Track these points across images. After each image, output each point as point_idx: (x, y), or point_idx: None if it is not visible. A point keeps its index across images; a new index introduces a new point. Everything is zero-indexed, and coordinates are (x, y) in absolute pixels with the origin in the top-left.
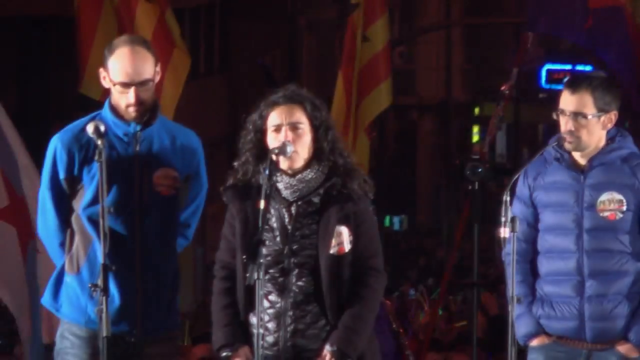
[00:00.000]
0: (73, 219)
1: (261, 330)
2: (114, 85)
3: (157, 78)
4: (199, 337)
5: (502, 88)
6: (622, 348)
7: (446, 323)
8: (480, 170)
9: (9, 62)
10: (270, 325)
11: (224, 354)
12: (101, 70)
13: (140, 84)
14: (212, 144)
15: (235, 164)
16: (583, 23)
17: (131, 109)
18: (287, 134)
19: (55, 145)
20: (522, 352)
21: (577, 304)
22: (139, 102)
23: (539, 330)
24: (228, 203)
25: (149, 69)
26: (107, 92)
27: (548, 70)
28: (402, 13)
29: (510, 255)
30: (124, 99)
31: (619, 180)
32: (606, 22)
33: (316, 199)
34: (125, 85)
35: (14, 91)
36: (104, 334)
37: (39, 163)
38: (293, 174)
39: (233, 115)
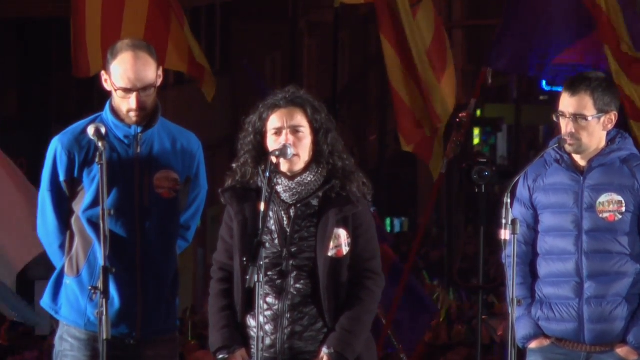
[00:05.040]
0: (73, 221)
1: (260, 333)
2: (116, 90)
3: (159, 82)
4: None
5: (461, 115)
6: (621, 351)
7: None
8: (487, 173)
9: (9, 64)
10: (268, 327)
11: (221, 356)
12: (103, 72)
13: (142, 90)
14: (213, 146)
15: (234, 165)
16: (546, 58)
17: (132, 114)
18: (287, 138)
19: (56, 147)
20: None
21: (576, 306)
22: (141, 108)
23: (538, 333)
24: (226, 205)
25: (151, 74)
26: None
27: None
28: None
29: (510, 257)
30: (126, 104)
31: (619, 181)
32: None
33: (315, 202)
34: (127, 91)
35: (14, 93)
36: (104, 336)
37: (39, 165)
38: (292, 176)
39: (234, 116)
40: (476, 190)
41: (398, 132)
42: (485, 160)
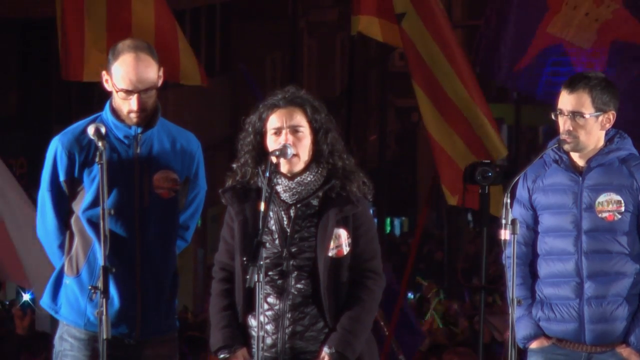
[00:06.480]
0: (72, 221)
1: (261, 332)
2: (117, 91)
3: (160, 82)
4: (193, 339)
5: None
6: (623, 352)
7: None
8: (490, 174)
9: (10, 64)
10: (269, 327)
11: (222, 356)
12: (104, 73)
13: (143, 91)
14: (213, 146)
15: (234, 165)
16: (512, 66)
17: (133, 115)
18: (287, 137)
19: (56, 147)
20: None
21: (577, 306)
22: (141, 109)
23: (539, 333)
24: (227, 205)
25: (153, 75)
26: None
27: None
28: None
29: (510, 258)
30: (126, 105)
31: (617, 181)
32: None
33: (315, 202)
34: (129, 92)
35: (15, 94)
36: (104, 336)
37: (39, 165)
38: (292, 176)
39: (234, 117)
40: (480, 191)
41: (441, 185)
42: (488, 160)
